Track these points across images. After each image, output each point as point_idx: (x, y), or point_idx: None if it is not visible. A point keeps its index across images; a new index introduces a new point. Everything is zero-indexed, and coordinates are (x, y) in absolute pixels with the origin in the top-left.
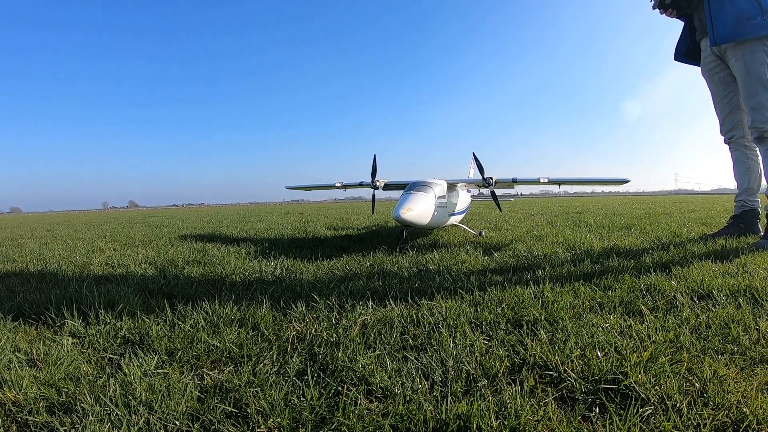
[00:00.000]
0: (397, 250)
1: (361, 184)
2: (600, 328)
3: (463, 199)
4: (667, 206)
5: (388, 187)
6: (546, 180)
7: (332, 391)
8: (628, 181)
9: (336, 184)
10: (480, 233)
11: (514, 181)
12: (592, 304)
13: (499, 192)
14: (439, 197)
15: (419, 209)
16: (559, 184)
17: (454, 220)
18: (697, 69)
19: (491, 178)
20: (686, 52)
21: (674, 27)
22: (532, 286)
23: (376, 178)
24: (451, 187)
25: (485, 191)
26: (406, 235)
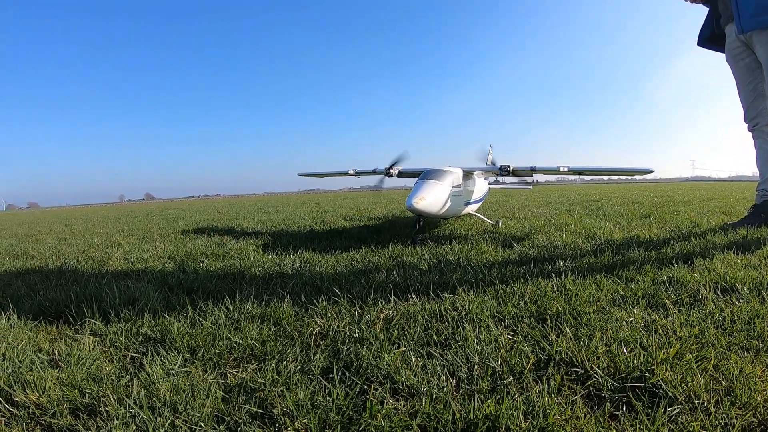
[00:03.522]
0: (411, 241)
1: (374, 171)
2: (624, 323)
3: (480, 187)
4: (686, 194)
5: (402, 174)
6: (566, 169)
7: (358, 390)
8: (651, 171)
9: (350, 171)
10: (497, 222)
11: (533, 170)
12: (615, 297)
13: (516, 180)
14: (455, 186)
15: (432, 198)
16: (580, 174)
17: (471, 209)
18: (716, 54)
19: (509, 166)
20: (710, 38)
21: (695, 11)
22: (554, 278)
23: (393, 167)
24: (468, 175)
25: (509, 179)
26: (420, 224)
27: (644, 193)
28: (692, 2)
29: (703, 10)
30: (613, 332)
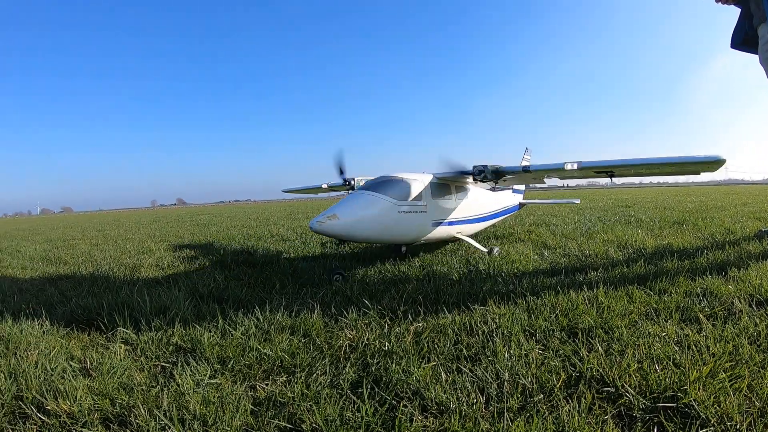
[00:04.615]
0: (327, 273)
1: (345, 182)
2: (657, 338)
3: (485, 201)
4: (719, 198)
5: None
6: (575, 166)
7: (387, 405)
8: (723, 161)
9: (323, 185)
10: (491, 250)
11: (527, 171)
12: (648, 310)
13: (544, 187)
14: (413, 199)
15: (354, 217)
16: (611, 175)
17: (457, 230)
18: (750, 55)
19: (484, 166)
20: (744, 40)
21: (727, 12)
22: (586, 290)
23: (350, 176)
24: (454, 185)
25: (517, 185)
26: (402, 249)
27: (676, 197)
28: (723, 3)
29: (734, 11)
30: (645, 348)
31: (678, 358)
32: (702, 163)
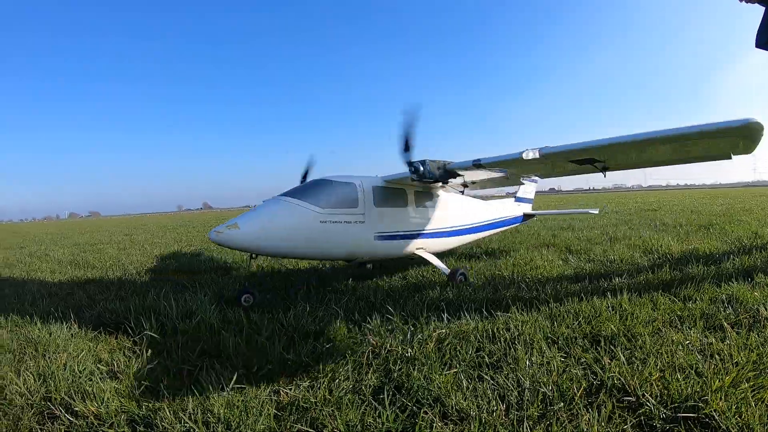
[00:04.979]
0: (236, 294)
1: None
2: (680, 346)
3: (463, 211)
4: (747, 201)
5: None
6: (535, 155)
7: (408, 412)
8: (759, 127)
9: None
10: (455, 273)
11: (477, 165)
12: (672, 318)
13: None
14: (341, 206)
15: (258, 227)
16: (603, 167)
17: (418, 246)
18: None
19: (423, 162)
20: None
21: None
22: (610, 296)
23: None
24: (412, 190)
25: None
26: (367, 266)
27: (704, 200)
28: (747, 2)
29: (759, 11)
30: (668, 356)
31: (701, 367)
32: (729, 132)
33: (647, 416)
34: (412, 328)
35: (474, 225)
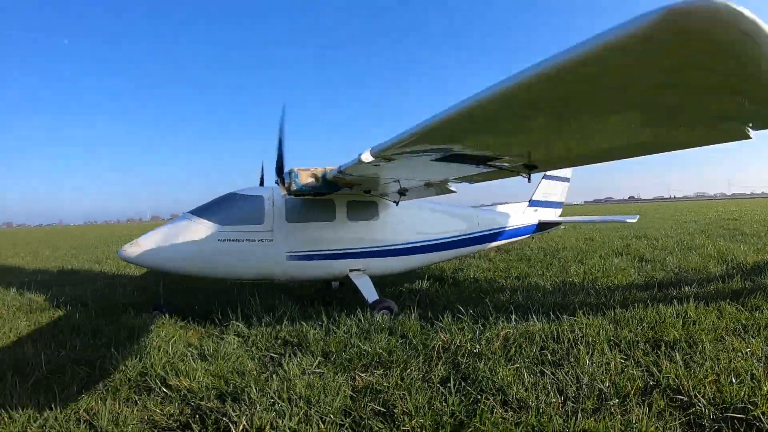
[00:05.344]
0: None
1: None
2: (740, 353)
3: (425, 222)
4: None
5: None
6: (368, 155)
7: (472, 398)
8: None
9: None
10: (379, 305)
11: (340, 172)
12: (736, 327)
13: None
14: (244, 223)
15: (155, 245)
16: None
17: (351, 266)
18: None
19: (289, 173)
20: None
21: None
22: (676, 304)
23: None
24: (344, 200)
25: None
26: (335, 286)
27: None
28: None
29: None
30: (725, 362)
31: (757, 372)
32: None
33: (697, 415)
34: (481, 327)
35: (445, 239)
